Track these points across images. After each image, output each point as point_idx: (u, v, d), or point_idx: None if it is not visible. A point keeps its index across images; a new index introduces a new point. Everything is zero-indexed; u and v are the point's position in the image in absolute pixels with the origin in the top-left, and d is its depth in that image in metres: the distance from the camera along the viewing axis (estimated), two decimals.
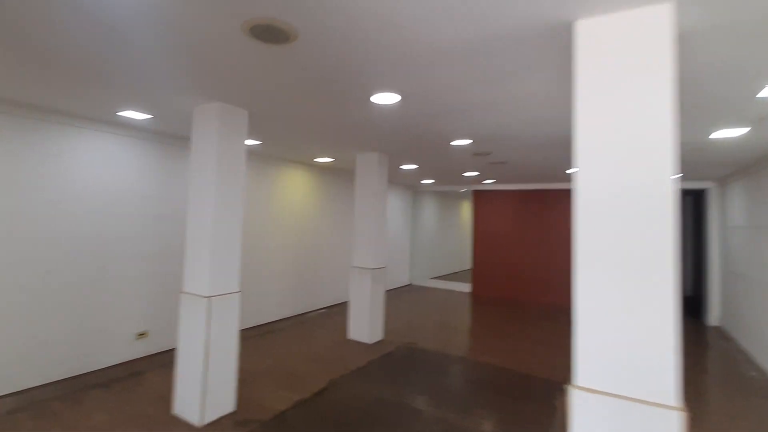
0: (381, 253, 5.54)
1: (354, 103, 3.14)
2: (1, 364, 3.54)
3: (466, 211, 14.42)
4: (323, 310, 7.27)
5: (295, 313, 6.87)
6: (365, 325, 5.38)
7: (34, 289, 3.73)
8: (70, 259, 3.98)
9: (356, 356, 4.88)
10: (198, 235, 3.31)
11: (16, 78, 2.83)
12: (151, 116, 3.88)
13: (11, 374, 3.60)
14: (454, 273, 12.73)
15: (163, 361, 4.53)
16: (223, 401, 3.31)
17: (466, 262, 13.75)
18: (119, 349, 4.41)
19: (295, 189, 6.79)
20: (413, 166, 6.68)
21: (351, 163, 6.69)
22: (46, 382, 3.83)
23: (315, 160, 6.47)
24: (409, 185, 10.23)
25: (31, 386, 3.73)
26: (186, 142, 4.97)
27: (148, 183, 4.62)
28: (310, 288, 7.15)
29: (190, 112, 3.57)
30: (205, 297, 3.19)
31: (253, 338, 5.50)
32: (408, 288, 9.97)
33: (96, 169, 4.15)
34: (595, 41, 1.73)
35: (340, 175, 7.89)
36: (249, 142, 4.96)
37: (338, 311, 7.24)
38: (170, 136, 4.81)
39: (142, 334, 4.61)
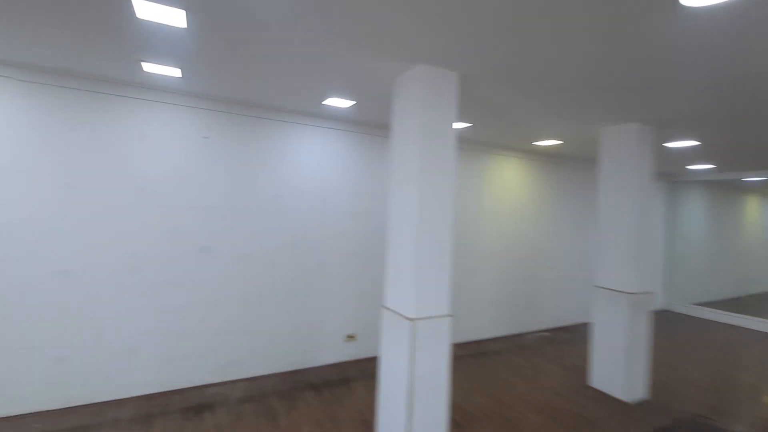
0: (642, 271, 3.81)
1: (646, 17, 1.82)
2: (238, 351, 3.78)
3: (753, 209, 9.99)
4: (546, 334, 5.85)
5: (510, 333, 5.71)
6: (618, 373, 3.76)
7: (261, 281, 3.88)
8: (291, 255, 4.03)
9: (609, 422, 3.37)
10: (399, 239, 2.64)
11: (240, 78, 2.81)
12: (354, 102, 3.50)
13: (245, 360, 3.82)
14: (732, 299, 8.89)
15: (370, 369, 4.18)
16: None
17: (755, 283, 9.48)
18: (332, 348, 4.29)
19: (508, 183, 5.64)
20: (690, 143, 4.53)
21: (585, 146, 5.07)
22: (271, 372, 3.96)
23: (535, 143, 5.16)
24: (665, 173, 7.55)
25: (259, 374, 3.90)
26: (388, 131, 4.54)
27: (349, 177, 4.38)
28: (528, 304, 5.86)
29: (385, 90, 2.96)
30: (409, 319, 2.47)
31: (463, 359, 4.67)
32: (665, 316, 7.32)
33: (309, 164, 4.12)
34: None
35: (568, 164, 6.27)
36: (456, 125, 4.13)
37: (566, 338, 5.68)
38: (370, 125, 4.45)
39: (351, 337, 4.40)
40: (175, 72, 2.87)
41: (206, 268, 3.62)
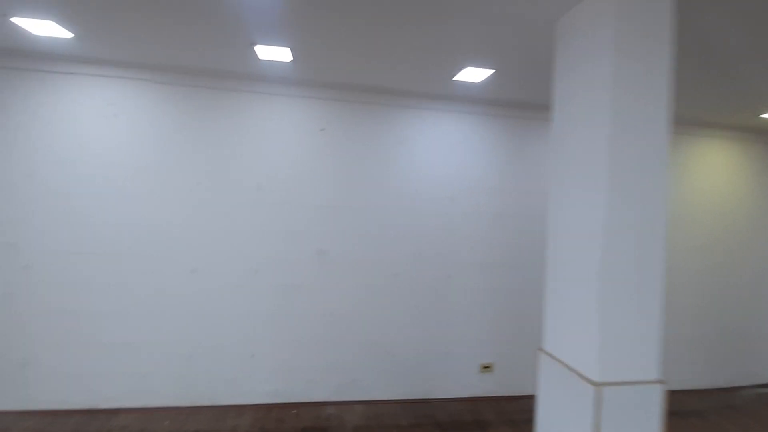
0: None
1: None
2: (354, 369, 3.35)
3: None
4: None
5: (717, 386, 4.05)
6: None
7: (381, 292, 3.39)
8: (414, 262, 3.45)
9: None
10: (569, 256, 1.81)
11: (357, 59, 2.39)
12: (493, 70, 2.75)
13: (362, 381, 3.37)
14: None
15: (512, 413, 3.29)
16: None
17: None
18: (462, 379, 3.54)
19: (710, 177, 4.06)
20: None
21: None
22: (391, 398, 3.42)
23: (765, 116, 3.55)
24: None
25: (377, 398, 3.40)
26: (536, 112, 3.61)
27: (484, 170, 3.58)
28: (745, 346, 4.11)
29: (537, 46, 2.13)
30: (591, 382, 1.59)
31: None
32: None
33: (435, 156, 3.49)
34: None
35: None
36: None
37: None
38: (510, 105, 3.58)
39: (486, 367, 3.58)
40: (286, 55, 2.60)
41: (322, 273, 3.30)
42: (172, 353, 3.08)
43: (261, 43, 2.46)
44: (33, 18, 2.21)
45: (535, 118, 3.62)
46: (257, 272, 3.18)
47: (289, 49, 2.52)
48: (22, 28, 2.34)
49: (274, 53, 2.59)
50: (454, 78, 2.92)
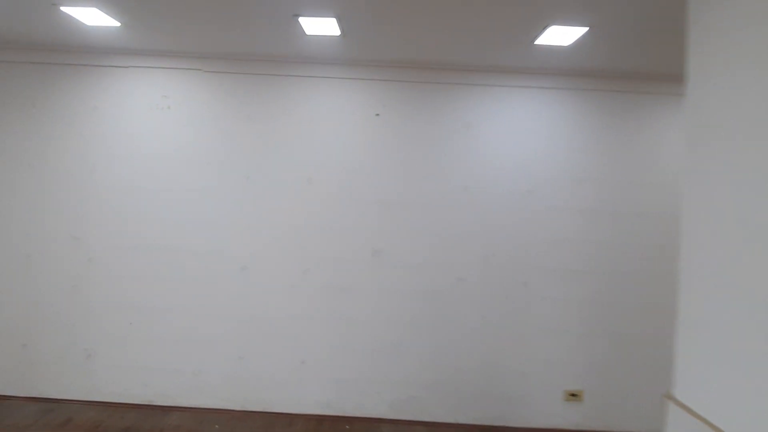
0: None
1: None
2: (413, 384, 2.96)
3: None
4: None
5: None
6: None
7: (444, 298, 2.96)
8: (483, 266, 2.96)
9: None
10: (729, 269, 1.23)
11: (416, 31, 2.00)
12: (587, 28, 2.17)
13: (423, 399, 2.97)
14: None
15: None
16: None
17: None
18: (542, 406, 2.98)
19: None
20: None
21: None
22: (456, 421, 2.97)
23: None
24: None
25: (440, 421, 2.98)
26: (646, 83, 2.89)
27: (569, 156, 2.95)
28: None
29: None
30: None
31: None
32: None
33: (508, 141, 2.95)
34: None
35: None
36: None
37: None
38: (606, 75, 2.90)
39: (573, 395, 2.97)
40: (333, 27, 2.28)
41: (377, 274, 2.95)
42: (224, 353, 2.96)
43: (304, 15, 2.17)
44: (79, 6, 2.15)
45: (646, 91, 2.91)
46: (307, 272, 2.94)
47: (335, 19, 2.20)
48: (74, 19, 2.32)
49: (319, 25, 2.30)
50: (536, 42, 2.38)
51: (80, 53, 2.88)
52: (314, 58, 2.84)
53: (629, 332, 2.92)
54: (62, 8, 2.18)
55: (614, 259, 2.93)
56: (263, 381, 2.96)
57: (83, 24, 2.39)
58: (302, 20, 2.23)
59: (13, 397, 2.93)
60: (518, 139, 2.95)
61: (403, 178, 2.94)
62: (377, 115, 2.92)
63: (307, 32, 2.40)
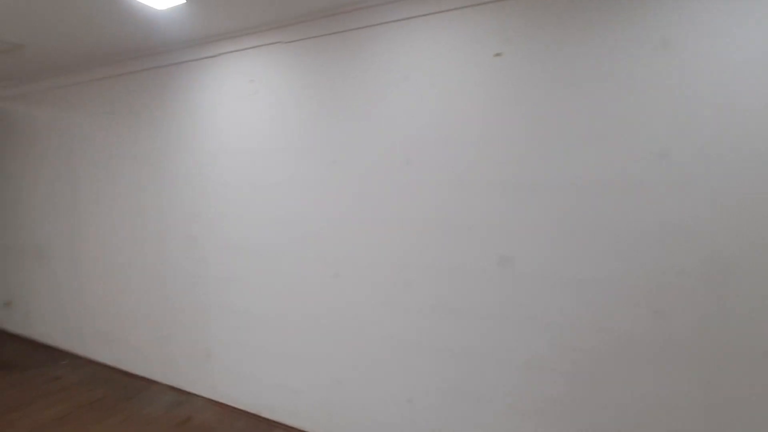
0: None
1: None
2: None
3: None
4: None
5: None
6: None
7: (626, 337, 1.78)
8: (709, 289, 1.65)
9: None
10: None
11: None
12: None
13: None
14: None
15: None
16: None
17: None
18: None
19: None
20: None
21: None
22: None
23: None
24: None
25: None
26: None
27: None
28: None
29: None
30: None
31: None
32: None
33: (737, 86, 1.53)
34: None
35: None
36: None
37: None
38: None
39: None
40: None
41: (507, 293, 1.99)
42: (321, 373, 2.52)
43: None
44: None
45: None
46: (410, 284, 2.21)
47: None
48: (144, 6, 2.16)
49: None
50: None
51: (165, 53, 2.87)
52: None
53: None
54: None
55: None
56: (362, 415, 2.39)
57: (154, 10, 2.23)
58: None
59: (158, 383, 3.19)
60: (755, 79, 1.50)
61: (546, 146, 1.88)
62: (497, 55, 1.93)
63: None
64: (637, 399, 1.76)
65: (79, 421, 2.69)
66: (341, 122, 2.34)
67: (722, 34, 1.57)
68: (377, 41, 2.21)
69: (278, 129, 2.53)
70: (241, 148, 2.67)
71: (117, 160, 3.29)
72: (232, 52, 2.65)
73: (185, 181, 2.94)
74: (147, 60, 3.01)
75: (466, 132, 2.04)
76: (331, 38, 2.33)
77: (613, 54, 1.74)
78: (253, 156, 2.64)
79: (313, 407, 2.56)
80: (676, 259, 1.68)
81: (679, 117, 1.64)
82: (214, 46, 2.71)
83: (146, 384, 3.19)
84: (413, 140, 2.15)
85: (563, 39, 1.82)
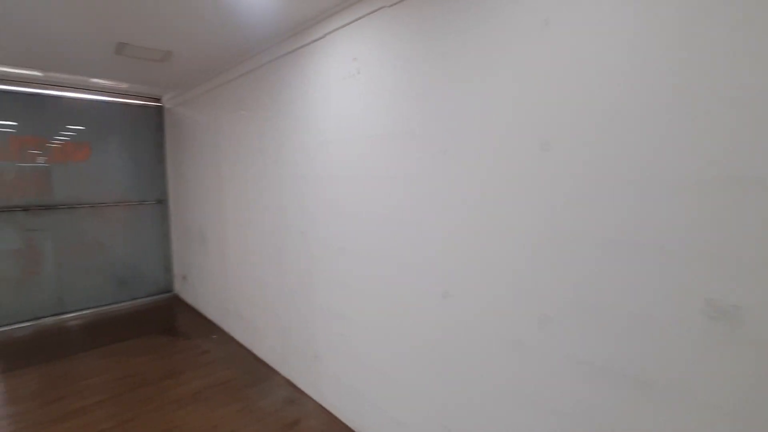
0: None
1: None
2: None
3: None
4: None
5: None
6: None
7: None
8: None
9: None
10: None
11: None
12: None
13: None
14: None
15: None
16: None
17: None
18: None
19: None
20: None
21: None
22: None
23: None
24: None
25: None
26: None
27: None
28: None
29: None
30: None
31: None
32: None
33: None
34: None
35: None
36: None
37: None
38: None
39: None
40: None
41: (722, 358, 1.16)
42: (428, 406, 2.07)
43: None
44: None
45: None
46: (547, 322, 1.54)
47: None
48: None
49: None
50: None
51: (276, 45, 2.69)
52: None
53: None
54: None
55: None
56: None
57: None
58: None
59: (278, 373, 3.23)
60: None
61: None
62: None
63: None
64: None
65: (207, 403, 2.87)
66: (453, 99, 1.77)
67: None
68: None
69: (378, 113, 2.11)
70: (338, 138, 2.36)
71: (247, 155, 3.40)
72: (336, 30, 2.33)
73: (296, 174, 2.81)
74: (264, 55, 2.96)
75: (630, 100, 1.24)
76: None
77: None
78: (346, 146, 2.30)
79: None
80: None
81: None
82: (320, 27, 2.44)
83: (269, 373, 3.28)
84: (553, 115, 1.44)
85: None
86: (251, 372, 3.30)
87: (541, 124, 1.48)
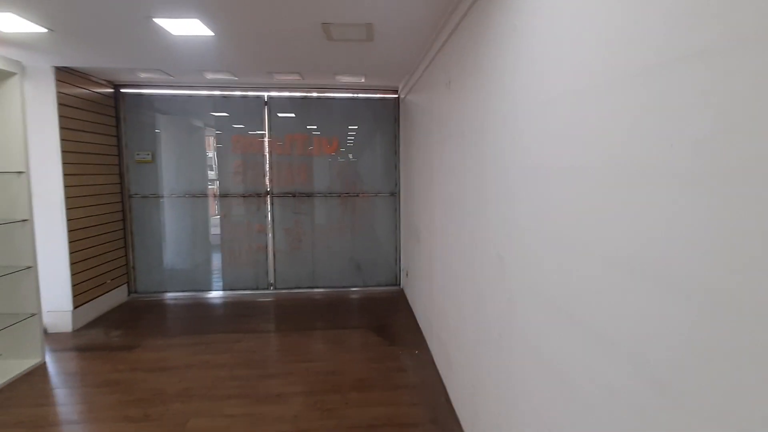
0: None
1: None
2: None
3: None
4: None
5: None
6: None
7: None
8: None
9: None
10: None
11: None
12: None
13: None
14: None
15: None
16: None
17: None
18: None
19: None
20: None
21: None
22: None
23: None
24: None
25: None
26: None
27: None
28: None
29: None
30: None
31: None
32: None
33: None
34: None
35: None
36: None
37: None
38: None
39: None
40: None
41: None
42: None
43: None
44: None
45: None
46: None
47: None
48: None
49: None
50: None
51: None
52: None
53: None
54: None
55: None
56: None
57: None
58: None
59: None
60: None
61: None
62: None
63: None
64: None
65: None
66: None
67: None
68: None
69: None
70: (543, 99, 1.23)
71: (450, 139, 2.64)
72: None
73: (494, 163, 1.84)
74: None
75: None
76: None
77: None
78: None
79: None
80: None
81: None
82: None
83: (455, 428, 2.49)
84: None
85: None
86: (436, 420, 2.59)
87: None
